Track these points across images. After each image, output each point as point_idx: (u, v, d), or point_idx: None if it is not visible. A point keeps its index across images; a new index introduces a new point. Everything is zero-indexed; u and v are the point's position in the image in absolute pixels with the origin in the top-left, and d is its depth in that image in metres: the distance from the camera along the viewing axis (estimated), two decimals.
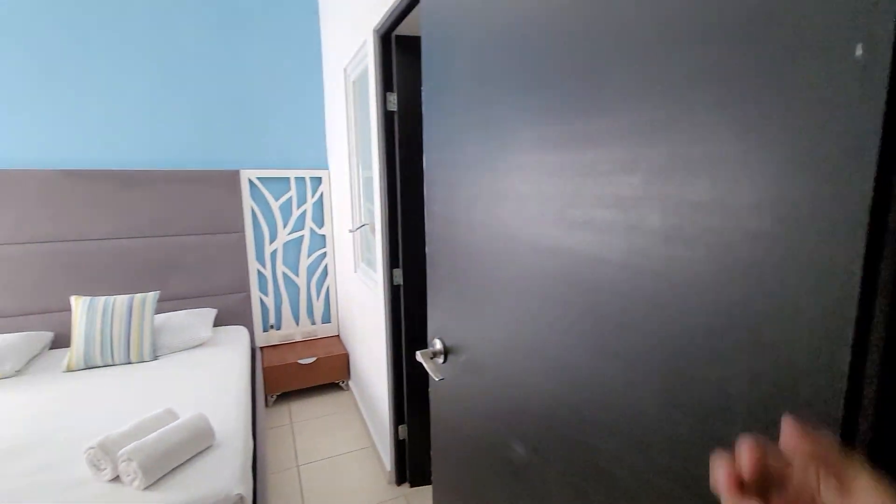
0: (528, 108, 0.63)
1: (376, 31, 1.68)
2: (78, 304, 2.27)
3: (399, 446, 2.00)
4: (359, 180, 2.48)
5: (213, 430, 1.47)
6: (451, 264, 0.89)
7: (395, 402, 1.95)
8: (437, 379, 0.87)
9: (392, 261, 1.85)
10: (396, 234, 1.83)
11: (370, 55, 1.78)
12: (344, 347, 3.00)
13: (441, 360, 0.93)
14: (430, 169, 0.95)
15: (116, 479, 1.29)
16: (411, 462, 2.00)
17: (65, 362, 2.18)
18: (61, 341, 2.48)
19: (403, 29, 1.64)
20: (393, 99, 1.71)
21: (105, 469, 1.28)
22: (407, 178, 1.77)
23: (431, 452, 1.08)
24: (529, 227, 0.64)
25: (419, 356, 0.94)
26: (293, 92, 2.96)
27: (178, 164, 2.73)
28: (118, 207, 2.55)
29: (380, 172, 1.81)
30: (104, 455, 1.27)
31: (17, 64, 2.35)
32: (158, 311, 2.64)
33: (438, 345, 0.95)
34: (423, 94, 0.94)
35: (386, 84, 1.72)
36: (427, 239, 0.99)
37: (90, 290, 2.52)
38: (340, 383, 2.95)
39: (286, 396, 2.84)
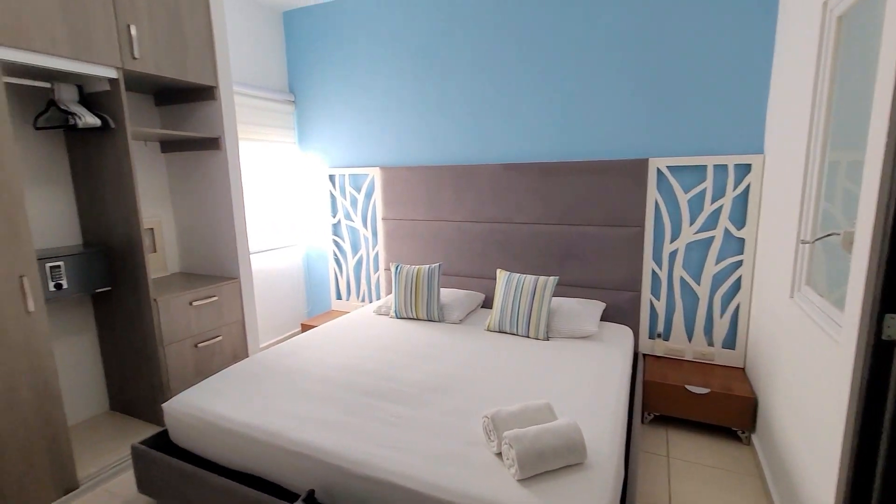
0: None
1: None
2: (501, 276, 2.72)
3: None
4: (820, 167, 1.71)
5: (586, 448, 1.35)
6: None
7: None
8: None
9: (886, 299, 1.12)
10: None
11: None
12: (751, 389, 2.30)
13: None
14: None
15: (500, 454, 1.39)
16: None
17: (487, 322, 2.68)
18: (487, 303, 3.09)
19: None
20: None
21: (493, 441, 1.40)
22: None
23: None
24: None
25: None
26: (725, 59, 2.40)
27: (588, 156, 2.78)
28: (537, 197, 2.87)
29: (885, 147, 1.10)
30: (494, 429, 1.39)
31: (480, 85, 3.00)
32: (554, 294, 2.85)
33: None
34: None
35: None
36: None
37: (510, 266, 3.00)
38: (739, 433, 2.28)
39: (665, 420, 2.48)
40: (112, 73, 2.06)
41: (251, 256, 2.86)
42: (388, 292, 3.51)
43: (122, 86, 2.10)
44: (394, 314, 2.88)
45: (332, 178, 3.70)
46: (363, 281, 3.71)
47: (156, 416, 2.41)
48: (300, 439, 1.56)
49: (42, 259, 2.04)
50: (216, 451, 1.73)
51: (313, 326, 3.48)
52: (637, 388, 2.26)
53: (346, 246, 3.73)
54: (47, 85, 2.08)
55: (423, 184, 3.23)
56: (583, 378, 1.97)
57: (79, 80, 2.17)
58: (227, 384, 1.97)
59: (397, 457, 1.42)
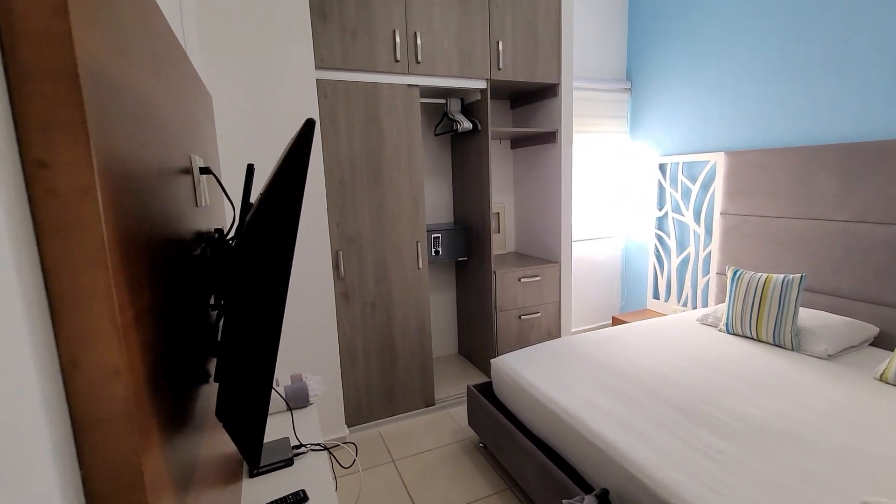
0: None
1: None
2: None
3: None
4: None
5: None
6: None
7: None
8: None
9: None
10: None
11: None
12: None
13: None
14: None
15: None
16: None
17: (880, 368, 1.87)
18: (884, 342, 2.15)
19: None
20: None
21: None
22: None
23: None
24: None
25: None
26: None
27: None
28: None
29: None
30: None
31: None
32: None
33: None
34: None
35: None
36: None
37: None
38: None
39: None
40: (482, 85, 2.54)
41: (573, 244, 3.02)
42: (719, 301, 2.97)
43: (489, 94, 2.56)
44: (724, 328, 2.42)
45: (662, 167, 3.39)
46: (687, 283, 3.28)
47: (486, 367, 2.93)
48: (599, 432, 1.55)
49: (429, 231, 2.79)
50: (524, 413, 1.94)
51: (624, 322, 3.36)
52: None
53: (671, 242, 3.38)
54: (443, 101, 2.78)
55: (787, 170, 2.52)
56: None
57: (462, 94, 2.79)
58: (540, 357, 2.17)
59: (718, 502, 1.20)
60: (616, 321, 3.47)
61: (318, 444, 1.39)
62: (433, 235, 2.81)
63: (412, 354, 2.56)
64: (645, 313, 3.51)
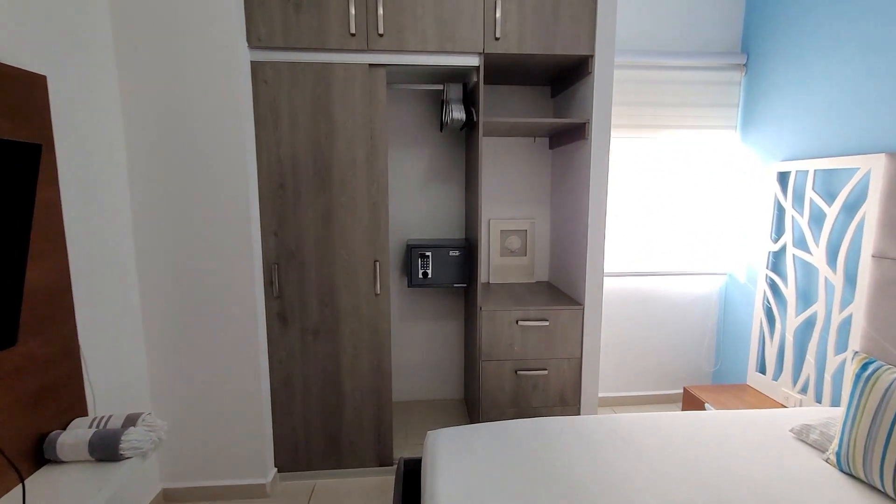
0: None
1: None
2: None
3: None
4: None
5: None
6: None
7: None
8: None
9: None
10: None
11: None
12: None
13: None
14: None
15: None
16: None
17: None
18: None
19: None
20: None
21: None
22: None
23: None
24: None
25: None
26: None
27: None
28: None
29: None
30: None
31: None
32: None
33: None
34: None
35: None
36: None
37: None
38: None
39: None
40: (474, 61, 1.92)
41: (621, 279, 2.13)
42: None
43: (481, 74, 1.93)
44: (834, 457, 1.37)
45: (782, 176, 2.26)
46: (811, 359, 2.10)
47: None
48: None
49: (415, 248, 2.26)
50: None
51: (700, 401, 2.32)
52: None
53: (788, 291, 2.22)
54: (440, 87, 2.22)
55: None
56: None
57: (463, 77, 2.20)
58: (488, 447, 1.48)
59: None
60: (689, 398, 2.43)
61: None
62: (422, 253, 2.27)
63: (364, 399, 2.06)
64: (743, 392, 2.39)
